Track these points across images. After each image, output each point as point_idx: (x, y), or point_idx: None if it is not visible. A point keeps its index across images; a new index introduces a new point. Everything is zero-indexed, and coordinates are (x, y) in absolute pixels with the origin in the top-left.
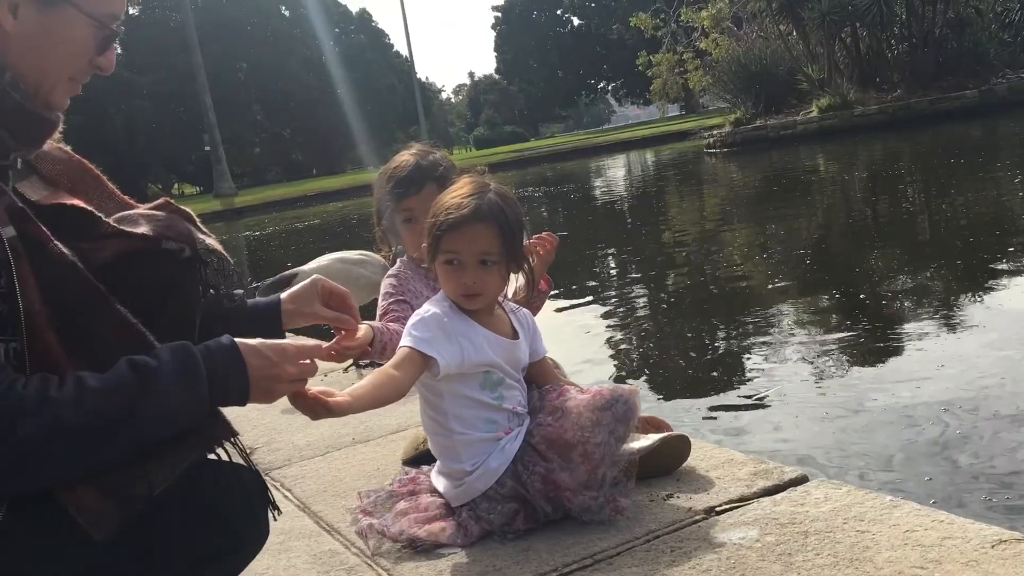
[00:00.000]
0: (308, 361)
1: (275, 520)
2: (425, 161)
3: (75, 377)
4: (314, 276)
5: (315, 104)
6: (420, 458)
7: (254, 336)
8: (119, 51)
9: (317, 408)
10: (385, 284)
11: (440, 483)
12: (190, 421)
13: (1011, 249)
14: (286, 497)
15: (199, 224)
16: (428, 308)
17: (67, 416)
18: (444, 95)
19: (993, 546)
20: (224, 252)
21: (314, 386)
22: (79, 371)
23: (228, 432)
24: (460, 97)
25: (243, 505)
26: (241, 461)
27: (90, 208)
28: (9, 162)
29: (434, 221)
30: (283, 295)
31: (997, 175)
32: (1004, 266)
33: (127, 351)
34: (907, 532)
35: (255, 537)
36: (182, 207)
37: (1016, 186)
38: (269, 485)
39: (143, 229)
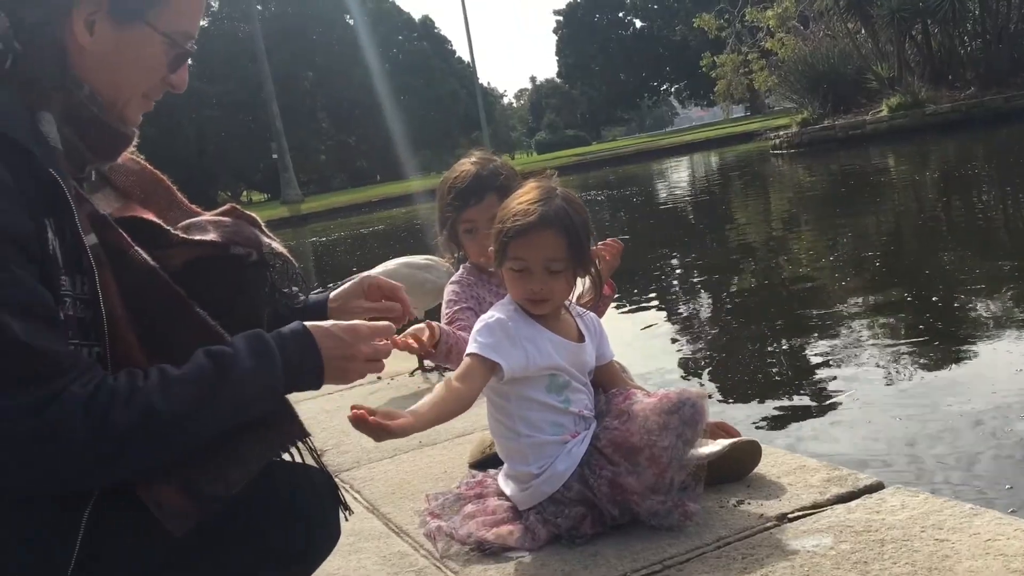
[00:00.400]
0: (383, 341)
1: (346, 520)
2: (485, 171)
3: (158, 368)
4: (363, 274)
5: (379, 111)
6: (487, 461)
7: None
8: (190, 63)
9: (380, 432)
10: (448, 291)
11: (507, 486)
12: (268, 404)
13: None
14: (355, 499)
15: (264, 228)
16: (493, 313)
17: (157, 403)
18: (506, 100)
19: None
20: (289, 255)
21: (378, 408)
22: None
23: (301, 432)
24: (522, 102)
25: (315, 506)
26: (313, 463)
27: (158, 221)
28: (85, 174)
29: (501, 227)
30: (330, 293)
31: None
32: None
33: None
34: (988, 541)
35: (327, 537)
36: (248, 212)
37: None
38: (339, 486)
39: (211, 236)
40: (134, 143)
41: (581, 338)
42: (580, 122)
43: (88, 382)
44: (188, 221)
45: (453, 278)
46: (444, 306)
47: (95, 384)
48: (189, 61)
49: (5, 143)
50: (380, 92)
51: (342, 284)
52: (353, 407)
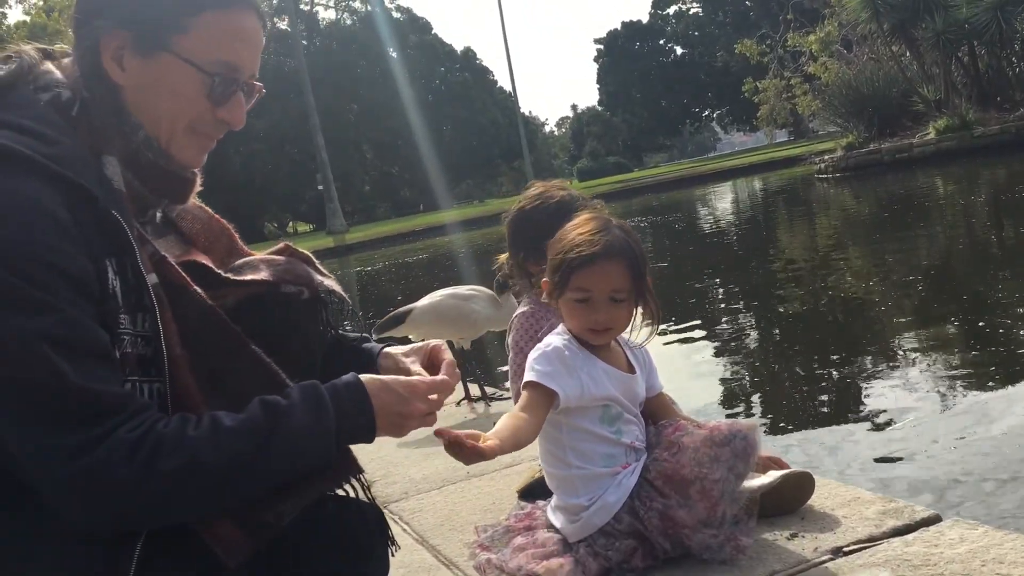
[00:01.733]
0: (436, 396)
1: (393, 556)
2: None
3: (211, 416)
4: (430, 342)
5: (421, 141)
6: (534, 490)
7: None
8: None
9: (474, 455)
10: (521, 325)
11: (556, 518)
12: (319, 459)
13: None
14: (404, 530)
15: (318, 266)
16: (549, 341)
17: (205, 454)
18: (547, 128)
19: None
20: (343, 292)
21: (461, 431)
22: (215, 411)
23: (355, 469)
24: (563, 130)
25: (366, 539)
26: (364, 496)
27: (211, 265)
28: (147, 217)
29: (562, 258)
30: (386, 348)
31: None
32: None
33: (261, 390)
34: None
35: (377, 570)
36: (301, 250)
37: None
38: (388, 518)
39: (263, 275)
40: (198, 187)
41: (632, 369)
42: (621, 149)
43: (138, 426)
44: (241, 261)
45: (523, 310)
46: (515, 343)
47: (144, 429)
48: (243, 96)
49: (71, 187)
50: (422, 123)
51: (387, 318)
52: (442, 431)
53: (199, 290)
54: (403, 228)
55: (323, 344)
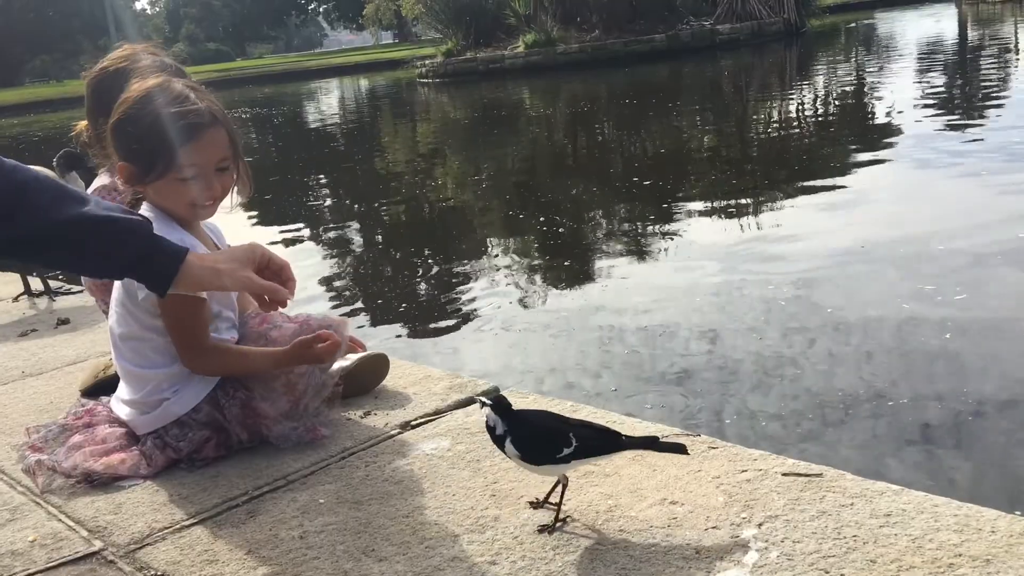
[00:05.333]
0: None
1: None
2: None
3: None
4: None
5: None
6: (101, 387)
7: None
8: None
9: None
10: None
11: (123, 411)
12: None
13: (692, 178)
14: None
15: None
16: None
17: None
18: (139, 5)
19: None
20: None
21: None
22: None
23: None
24: (158, 8)
25: None
26: None
27: None
28: None
29: (160, 137)
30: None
31: (682, 113)
32: (682, 194)
33: None
34: None
35: None
36: None
37: (696, 123)
38: None
39: None
40: None
41: (218, 249)
42: (223, 36)
43: None
44: None
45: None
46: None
47: None
48: None
49: None
50: None
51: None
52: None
53: None
54: None
55: None
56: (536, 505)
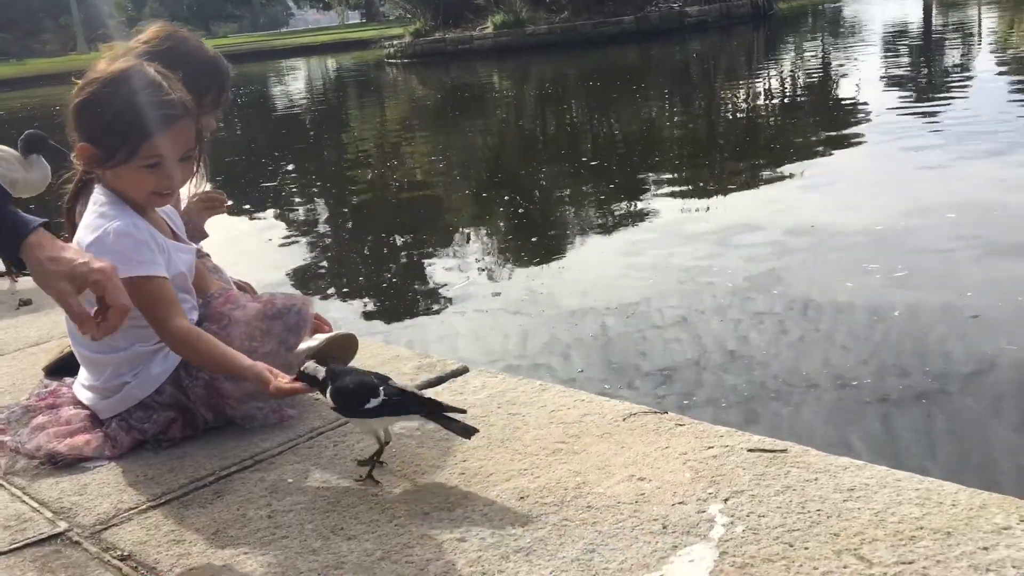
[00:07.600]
0: None
1: None
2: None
3: None
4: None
5: None
6: (64, 366)
7: None
8: None
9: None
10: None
11: (86, 396)
12: None
13: (658, 160)
14: None
15: None
16: (123, 223)
17: None
18: None
19: (624, 419)
20: None
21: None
22: None
23: None
24: None
25: None
26: None
27: None
28: None
29: (128, 124)
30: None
31: (648, 96)
32: (649, 176)
33: None
34: (553, 412)
35: None
36: None
37: (663, 106)
38: None
39: None
40: None
41: (175, 236)
42: (186, 14)
43: None
44: None
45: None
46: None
47: None
48: None
49: None
50: None
51: None
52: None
53: None
54: None
55: None
56: (361, 463)
